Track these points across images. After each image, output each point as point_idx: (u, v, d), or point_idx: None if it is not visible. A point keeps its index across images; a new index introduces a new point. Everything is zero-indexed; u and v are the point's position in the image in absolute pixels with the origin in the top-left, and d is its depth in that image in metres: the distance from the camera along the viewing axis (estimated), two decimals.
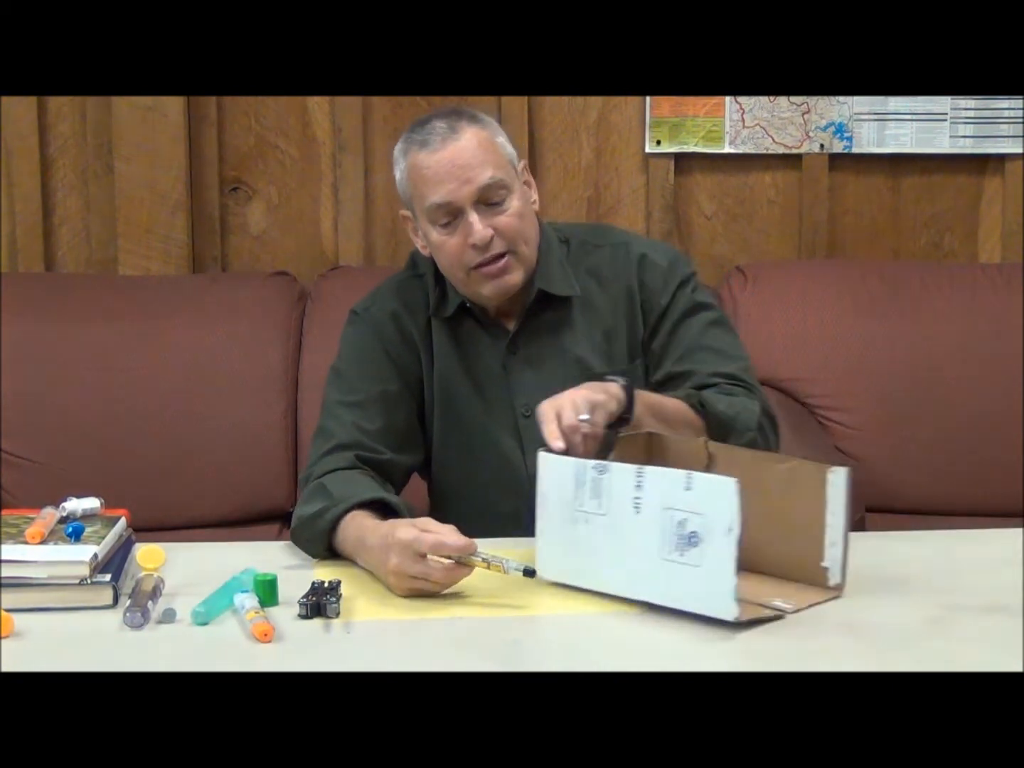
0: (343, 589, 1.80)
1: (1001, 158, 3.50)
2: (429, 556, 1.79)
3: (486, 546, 1.82)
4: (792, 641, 1.68)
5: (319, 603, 1.76)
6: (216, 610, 1.77)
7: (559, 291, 2.18)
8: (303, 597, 1.78)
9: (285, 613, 1.77)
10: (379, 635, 1.73)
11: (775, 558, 1.85)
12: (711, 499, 1.69)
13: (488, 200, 2.08)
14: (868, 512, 2.89)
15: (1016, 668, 1.55)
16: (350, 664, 1.62)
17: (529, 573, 1.79)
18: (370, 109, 3.47)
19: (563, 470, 1.83)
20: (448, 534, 1.79)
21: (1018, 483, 3.07)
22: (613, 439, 1.92)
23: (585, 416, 1.85)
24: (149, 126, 3.39)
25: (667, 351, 2.19)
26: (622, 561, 1.78)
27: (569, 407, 1.86)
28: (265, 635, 1.68)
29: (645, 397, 2.00)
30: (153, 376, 3.15)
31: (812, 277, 3.35)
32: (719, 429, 2.07)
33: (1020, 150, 3.47)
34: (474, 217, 2.08)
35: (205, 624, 1.75)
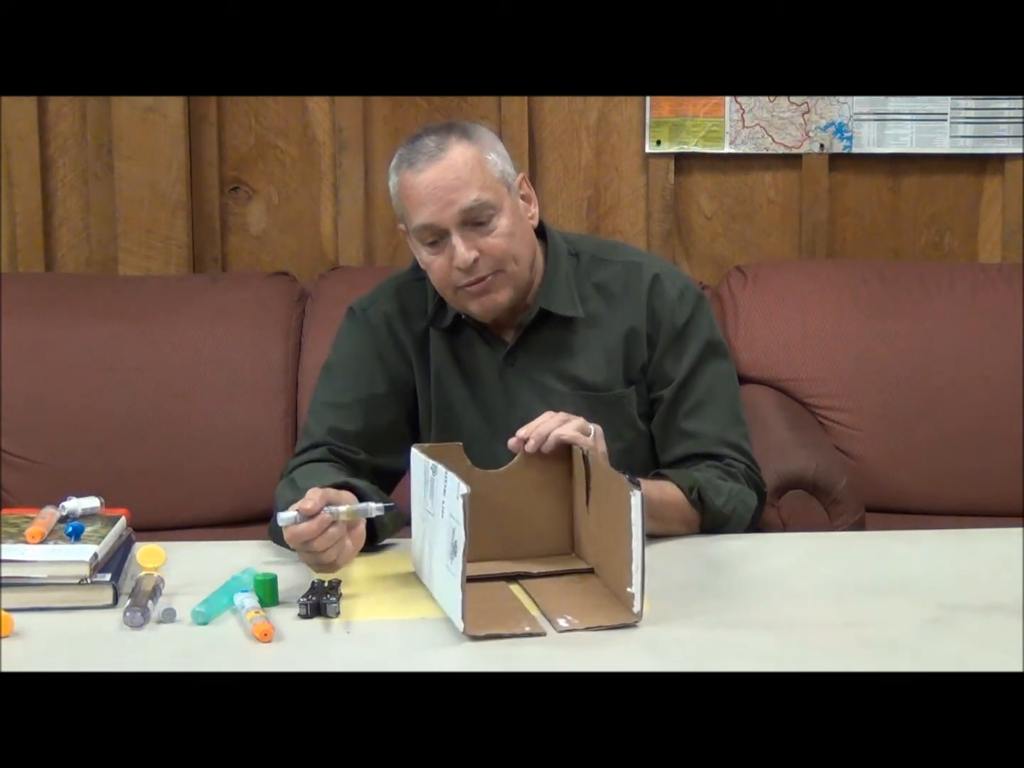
0: (343, 589, 1.81)
1: (1001, 158, 3.50)
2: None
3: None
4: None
5: (319, 603, 1.77)
6: (216, 610, 1.77)
7: (561, 311, 2.16)
8: (303, 597, 1.78)
9: (285, 613, 1.77)
10: (379, 635, 1.73)
11: (610, 573, 1.81)
12: (458, 509, 1.67)
13: (474, 221, 2.06)
14: (868, 512, 2.89)
15: (1016, 668, 1.55)
16: (350, 664, 1.62)
17: (389, 508, 1.85)
18: (370, 109, 3.47)
19: (417, 467, 1.85)
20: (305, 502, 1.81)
21: (1018, 483, 3.07)
22: None
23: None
24: (149, 126, 3.39)
25: (680, 396, 2.16)
26: (436, 563, 1.79)
27: (574, 427, 1.88)
28: (265, 635, 1.68)
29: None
30: (153, 376, 3.15)
31: (812, 277, 3.35)
32: (713, 523, 2.08)
33: (1020, 150, 3.47)
34: (457, 239, 2.06)
35: (205, 624, 1.75)
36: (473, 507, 1.86)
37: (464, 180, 2.05)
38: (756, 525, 2.18)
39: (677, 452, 2.15)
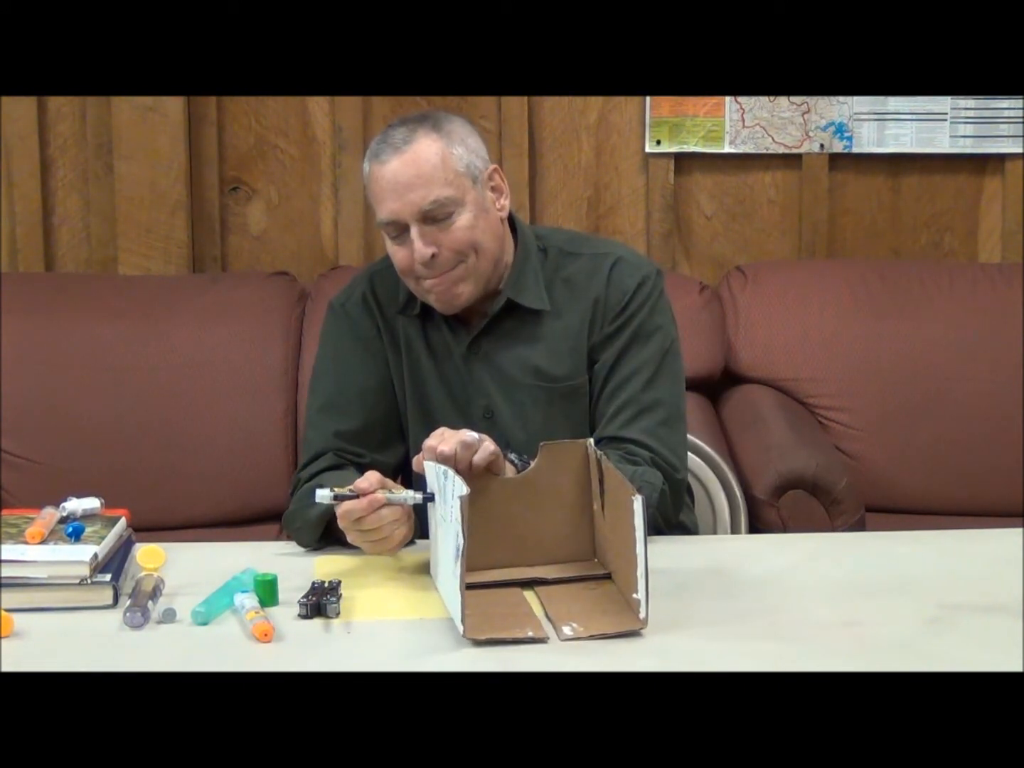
0: (343, 589, 1.81)
1: (1001, 158, 3.50)
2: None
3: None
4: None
5: (319, 603, 1.77)
6: (216, 610, 1.77)
7: (528, 303, 2.16)
8: (303, 597, 1.78)
9: (285, 613, 1.77)
10: (379, 635, 1.73)
11: (621, 579, 1.80)
12: (458, 510, 1.67)
13: (434, 217, 2.06)
14: (868, 512, 2.89)
15: (1016, 668, 1.55)
16: (350, 664, 1.62)
17: (429, 498, 1.85)
18: (370, 109, 3.47)
19: (431, 473, 1.86)
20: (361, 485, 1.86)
21: (1018, 483, 3.07)
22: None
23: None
24: (149, 126, 3.39)
25: (601, 379, 2.15)
26: (444, 568, 1.79)
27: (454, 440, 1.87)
28: (265, 635, 1.68)
29: None
30: (153, 376, 3.16)
31: (812, 277, 3.35)
32: None
33: (1020, 150, 3.47)
34: (416, 235, 2.06)
35: (205, 624, 1.75)
36: (491, 513, 1.87)
37: (425, 178, 2.05)
38: (678, 512, 2.16)
39: (595, 436, 2.14)
